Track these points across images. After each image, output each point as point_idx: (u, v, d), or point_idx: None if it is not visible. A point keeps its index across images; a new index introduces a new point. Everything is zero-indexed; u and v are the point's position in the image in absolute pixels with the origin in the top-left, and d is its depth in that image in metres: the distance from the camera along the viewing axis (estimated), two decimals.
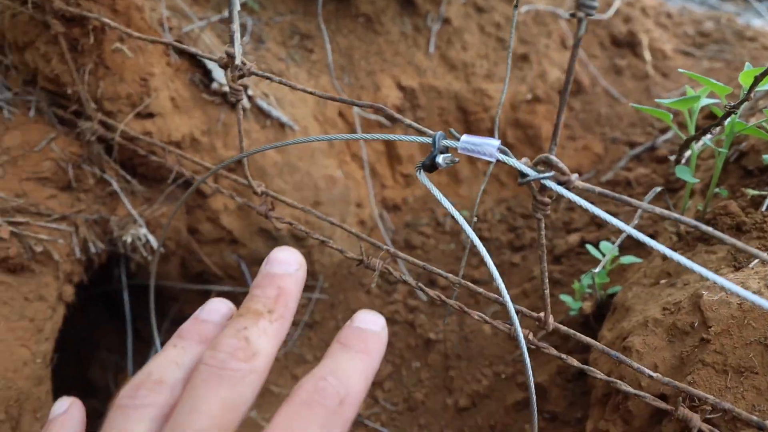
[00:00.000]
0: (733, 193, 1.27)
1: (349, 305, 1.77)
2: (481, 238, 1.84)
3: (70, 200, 1.51)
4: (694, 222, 0.76)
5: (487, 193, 1.99)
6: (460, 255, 1.82)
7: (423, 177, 0.91)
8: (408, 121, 0.95)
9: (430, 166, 0.88)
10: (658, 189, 1.24)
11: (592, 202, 0.75)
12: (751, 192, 1.18)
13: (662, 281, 1.15)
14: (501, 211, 1.89)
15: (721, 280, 0.67)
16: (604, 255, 1.29)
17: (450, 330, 1.62)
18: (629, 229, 0.76)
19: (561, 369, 1.33)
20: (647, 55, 2.13)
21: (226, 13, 1.94)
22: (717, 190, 1.21)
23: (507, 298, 0.85)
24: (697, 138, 1.13)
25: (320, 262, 1.84)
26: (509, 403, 1.39)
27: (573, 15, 0.71)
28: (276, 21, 2.14)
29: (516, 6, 1.05)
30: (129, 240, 1.47)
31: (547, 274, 0.92)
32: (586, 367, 0.90)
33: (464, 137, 0.86)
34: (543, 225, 0.87)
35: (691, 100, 1.12)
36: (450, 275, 1.09)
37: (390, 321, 1.69)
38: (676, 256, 0.72)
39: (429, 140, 0.89)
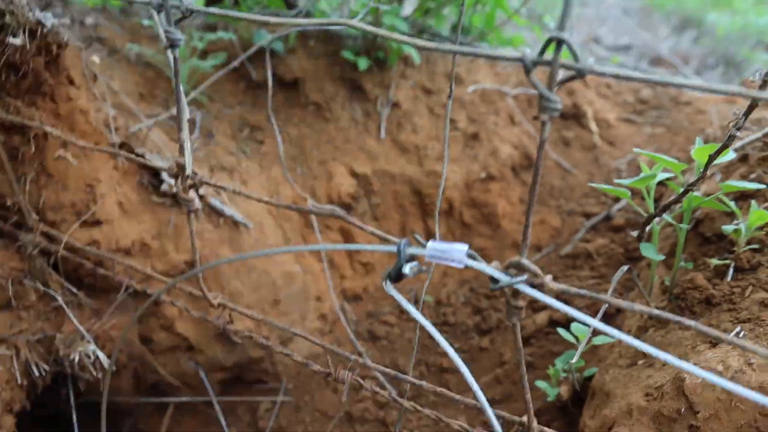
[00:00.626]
0: (695, 261, 1.27)
1: (315, 406, 1.69)
2: (445, 323, 1.80)
3: (9, 320, 1.41)
4: (657, 312, 0.73)
5: (448, 275, 1.96)
6: (426, 342, 1.77)
7: (390, 289, 0.87)
8: (370, 228, 0.92)
9: (398, 277, 0.85)
10: (626, 268, 1.23)
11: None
12: (715, 262, 1.18)
13: (639, 362, 1.12)
14: (464, 293, 1.86)
15: (697, 370, 0.64)
16: (576, 337, 1.26)
17: (424, 425, 1.55)
18: (599, 324, 0.74)
19: None
20: (593, 126, 2.18)
21: (174, 110, 1.92)
22: (682, 264, 1.20)
23: (491, 413, 0.80)
24: (658, 215, 1.13)
25: (283, 363, 1.76)
26: None
27: (536, 118, 0.69)
28: (225, 113, 2.12)
29: (450, 96, 1.05)
30: (76, 358, 1.37)
31: (526, 379, 0.88)
32: None
33: (431, 244, 0.84)
34: (519, 330, 0.83)
35: (648, 179, 1.13)
36: (424, 383, 1.04)
37: (360, 420, 1.61)
38: (647, 348, 0.69)
39: (393, 249, 0.86)
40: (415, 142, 2.06)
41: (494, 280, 0.78)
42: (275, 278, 1.71)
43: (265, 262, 1.71)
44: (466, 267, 0.82)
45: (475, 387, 0.81)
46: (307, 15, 2.27)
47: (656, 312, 0.72)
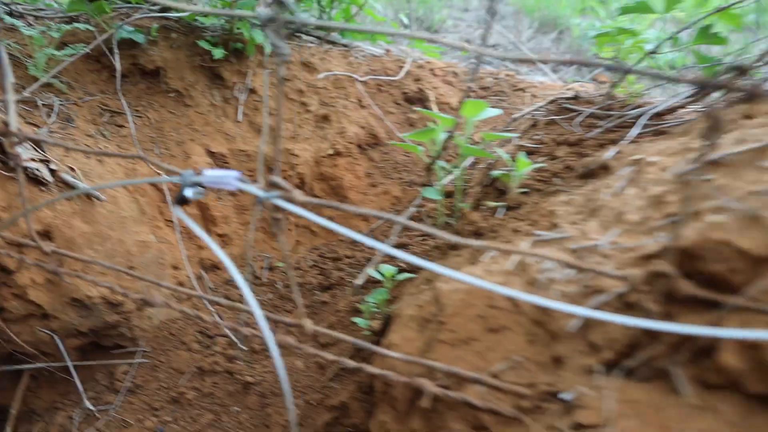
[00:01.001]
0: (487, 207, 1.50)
1: (171, 365, 1.81)
2: (295, 284, 1.96)
3: None
4: (415, 225, 0.93)
5: (301, 243, 2.13)
6: (276, 303, 1.93)
7: (177, 210, 1.03)
8: (163, 164, 1.07)
9: (182, 199, 1.01)
10: (413, 209, 1.44)
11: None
12: (490, 203, 1.41)
13: (424, 287, 1.32)
14: (313, 258, 2.03)
15: (445, 270, 0.85)
16: (383, 275, 1.46)
17: (266, 371, 1.70)
18: (375, 243, 0.92)
19: (360, 385, 1.46)
20: (435, 108, 2.42)
21: (26, 93, 1.99)
22: (465, 205, 1.43)
23: (257, 310, 0.97)
24: (433, 162, 1.34)
25: (140, 327, 1.86)
26: (319, 424, 1.49)
27: (272, 74, 0.87)
28: (86, 101, 2.20)
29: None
30: None
31: (295, 281, 1.06)
32: (335, 357, 1.04)
33: (208, 172, 1.01)
34: (284, 239, 1.01)
35: (428, 132, 1.34)
36: (267, 314, 1.19)
37: (210, 372, 1.75)
38: (404, 255, 0.89)
39: (178, 179, 1.02)
40: (270, 124, 2.22)
41: (258, 198, 0.96)
42: (129, 247, 1.82)
43: (120, 232, 1.82)
44: (238, 190, 0.99)
45: (250, 297, 0.99)
46: (167, 8, 2.39)
47: (411, 224, 0.92)
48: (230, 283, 2.05)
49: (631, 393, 0.83)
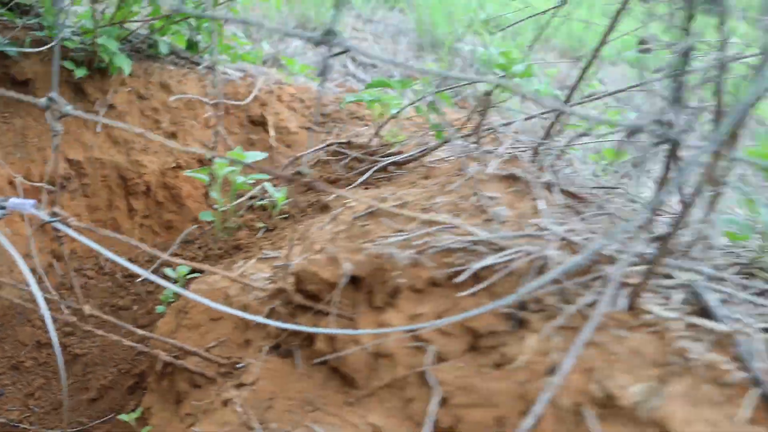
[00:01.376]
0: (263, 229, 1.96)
1: (16, 338, 2.19)
2: (131, 276, 2.37)
3: None
4: (155, 252, 1.36)
5: (144, 241, 2.54)
6: (114, 290, 2.34)
7: None
8: None
9: None
10: (192, 228, 1.88)
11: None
12: (258, 224, 1.87)
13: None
14: (150, 256, 2.44)
15: (177, 288, 1.28)
16: (178, 274, 1.90)
17: (95, 345, 2.11)
18: (118, 260, 1.35)
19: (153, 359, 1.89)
20: (272, 131, 2.86)
21: None
22: (233, 225, 1.88)
23: (38, 294, 1.40)
24: (208, 192, 1.79)
25: None
26: (125, 388, 1.92)
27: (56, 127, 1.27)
28: None
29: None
30: None
31: (74, 278, 1.47)
32: (118, 338, 1.47)
33: (11, 200, 1.42)
34: (65, 250, 1.43)
35: (203, 170, 1.78)
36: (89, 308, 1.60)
37: (47, 345, 2.14)
38: (149, 275, 1.33)
39: None
40: (125, 137, 2.61)
41: (43, 221, 1.37)
42: None
43: None
44: (30, 213, 1.40)
45: (32, 282, 1.40)
46: (41, 27, 2.73)
47: (154, 252, 1.35)
48: (77, 271, 2.44)
49: (271, 364, 1.30)
